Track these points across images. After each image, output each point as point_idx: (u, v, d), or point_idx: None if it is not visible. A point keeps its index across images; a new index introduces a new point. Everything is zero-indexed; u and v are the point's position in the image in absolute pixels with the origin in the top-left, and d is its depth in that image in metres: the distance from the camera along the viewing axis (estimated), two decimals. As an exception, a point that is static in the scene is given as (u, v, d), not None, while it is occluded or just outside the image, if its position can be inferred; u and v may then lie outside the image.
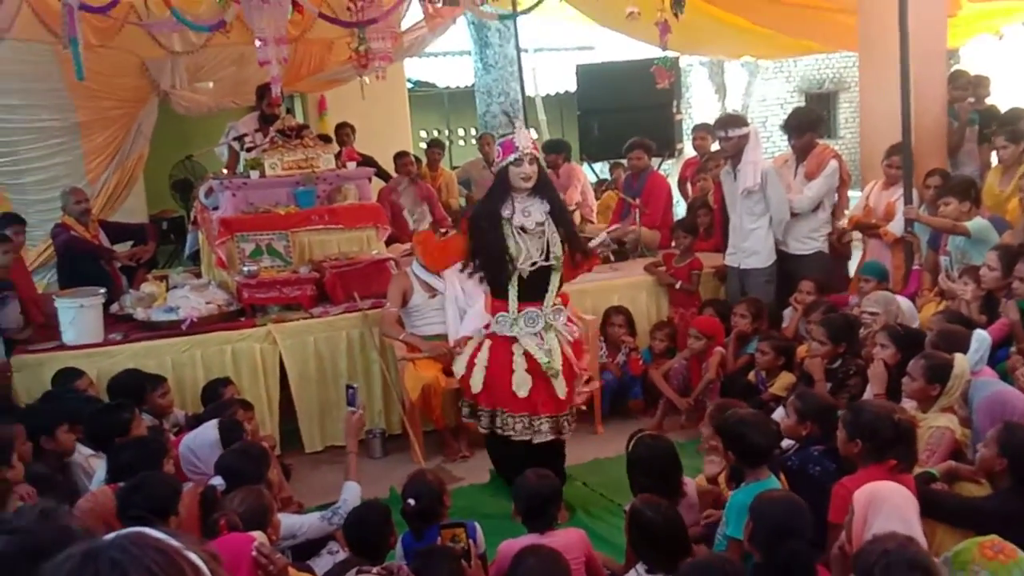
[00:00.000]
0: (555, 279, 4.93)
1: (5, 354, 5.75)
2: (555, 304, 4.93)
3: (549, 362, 4.83)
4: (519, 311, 4.88)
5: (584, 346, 5.25)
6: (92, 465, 4.44)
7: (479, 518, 4.02)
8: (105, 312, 6.18)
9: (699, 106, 17.28)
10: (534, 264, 4.85)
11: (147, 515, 3.02)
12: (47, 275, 8.06)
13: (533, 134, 12.29)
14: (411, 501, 3.73)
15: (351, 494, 4.11)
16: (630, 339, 6.54)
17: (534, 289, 4.90)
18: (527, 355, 4.85)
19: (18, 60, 8.06)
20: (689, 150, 10.14)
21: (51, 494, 3.99)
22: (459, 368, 5.10)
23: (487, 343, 4.96)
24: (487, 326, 4.97)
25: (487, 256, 4.91)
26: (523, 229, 4.82)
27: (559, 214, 4.91)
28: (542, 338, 4.87)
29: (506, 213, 4.84)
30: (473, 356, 4.99)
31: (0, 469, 3.80)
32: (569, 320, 5.03)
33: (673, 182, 9.33)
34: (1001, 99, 8.62)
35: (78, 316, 5.91)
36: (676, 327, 6.64)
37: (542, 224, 4.83)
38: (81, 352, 5.78)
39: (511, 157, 4.76)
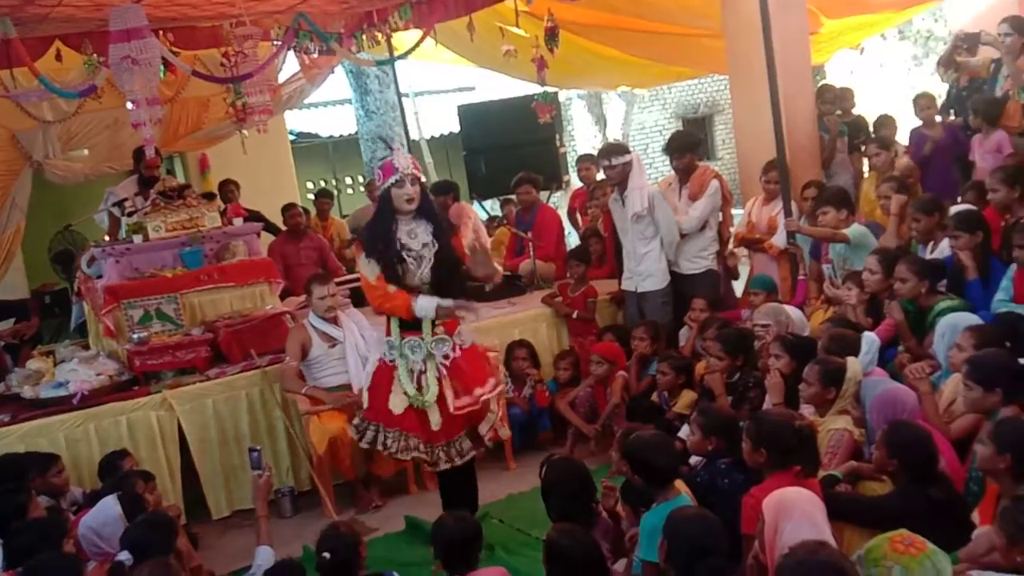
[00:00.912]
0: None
1: None
2: (437, 334, 4.77)
3: (416, 395, 4.70)
4: (402, 338, 4.75)
5: (489, 370, 5.05)
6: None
7: (398, 567, 3.98)
8: (-10, 394, 5.94)
9: (581, 138, 17.59)
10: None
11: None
12: (-75, 361, 7.69)
13: (426, 178, 12.34)
14: (326, 555, 3.65)
15: (264, 558, 4.01)
16: (534, 371, 6.57)
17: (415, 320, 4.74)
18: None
19: None
20: (576, 181, 10.28)
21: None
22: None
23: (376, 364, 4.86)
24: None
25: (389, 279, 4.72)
26: (409, 252, 4.68)
27: (443, 236, 4.79)
28: (423, 370, 4.73)
29: (398, 237, 4.70)
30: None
31: None
32: (473, 346, 4.90)
33: (563, 213, 9.45)
34: (865, 109, 9.03)
35: (-40, 400, 5.66)
36: (578, 355, 6.69)
37: (427, 245, 4.72)
38: (-34, 437, 5.52)
39: (392, 179, 4.64)
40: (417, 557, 4.77)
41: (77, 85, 7.07)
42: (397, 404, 4.72)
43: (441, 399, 4.75)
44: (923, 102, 7.64)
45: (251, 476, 4.60)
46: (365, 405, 4.87)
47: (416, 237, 4.71)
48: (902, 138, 7.91)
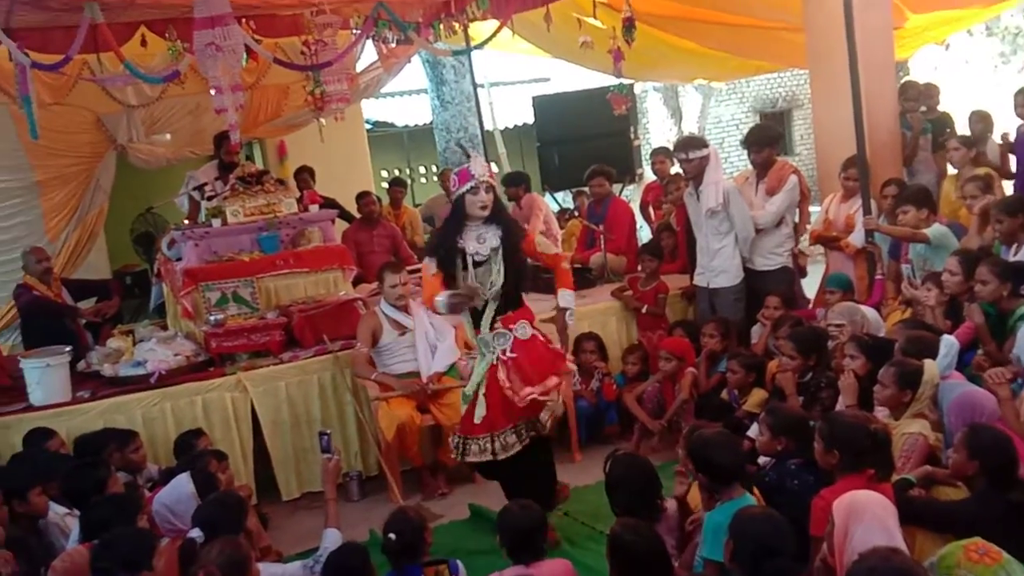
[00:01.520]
0: (490, 309, 4.86)
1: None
2: (495, 329, 4.85)
3: (464, 392, 4.92)
4: (476, 336, 4.93)
5: (549, 364, 5.01)
6: (68, 524, 4.36)
7: (461, 555, 3.99)
8: (72, 370, 6.12)
9: (656, 131, 17.46)
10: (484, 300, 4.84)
11: (120, 571, 2.96)
12: (11, 337, 7.98)
13: (494, 167, 12.36)
14: (392, 536, 3.70)
15: (331, 541, 4.07)
16: (602, 365, 6.55)
17: (478, 317, 4.90)
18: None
19: (-29, 122, 8.02)
20: (649, 175, 10.21)
21: (27, 558, 3.93)
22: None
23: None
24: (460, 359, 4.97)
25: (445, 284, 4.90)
26: (476, 259, 4.80)
27: (512, 241, 4.87)
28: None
29: (460, 243, 4.84)
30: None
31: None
32: (534, 337, 4.92)
33: (635, 207, 9.39)
34: (950, 106, 8.78)
35: (44, 376, 5.84)
36: (646, 350, 6.65)
37: (496, 250, 4.82)
38: (50, 412, 5.69)
39: (467, 185, 4.77)
40: (481, 545, 4.80)
41: (161, 70, 7.23)
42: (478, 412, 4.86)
43: (490, 391, 4.80)
44: (1021, 99, 7.39)
45: (321, 459, 4.67)
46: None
47: (485, 242, 4.83)
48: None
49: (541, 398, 4.79)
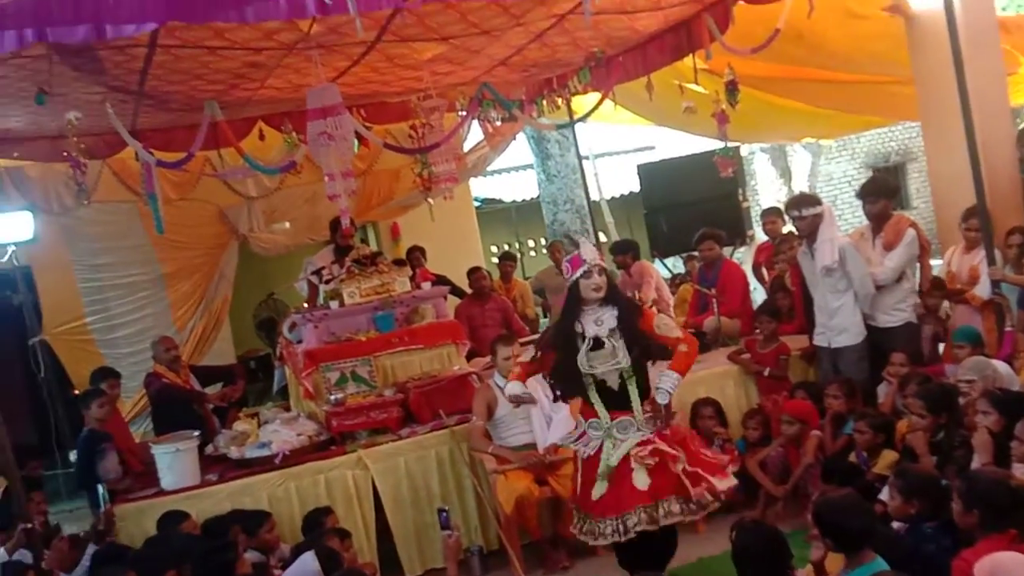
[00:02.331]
0: (632, 388, 4.87)
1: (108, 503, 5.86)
2: (647, 412, 4.85)
3: (605, 466, 4.79)
4: (612, 419, 4.84)
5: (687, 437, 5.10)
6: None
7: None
8: (201, 454, 6.31)
9: (764, 191, 17.25)
10: (604, 381, 4.86)
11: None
12: (143, 424, 8.28)
13: (603, 237, 12.37)
14: None
15: None
16: (722, 430, 6.42)
17: (622, 400, 4.87)
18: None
19: (103, 221, 8.49)
20: (760, 235, 10.08)
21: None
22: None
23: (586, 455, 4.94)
24: (582, 434, 4.95)
25: (563, 374, 4.96)
26: (597, 340, 4.82)
27: (628, 318, 4.89)
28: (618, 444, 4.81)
29: (578, 328, 4.89)
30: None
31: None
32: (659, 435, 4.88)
33: (747, 269, 9.26)
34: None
35: (175, 461, 6.04)
36: (768, 414, 6.49)
37: (614, 330, 4.84)
38: (180, 496, 5.88)
39: (580, 270, 4.87)
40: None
41: (278, 162, 7.52)
42: (597, 490, 4.83)
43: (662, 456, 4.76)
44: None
45: (441, 536, 4.68)
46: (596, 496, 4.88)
47: (603, 324, 4.85)
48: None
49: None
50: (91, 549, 5.18)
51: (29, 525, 4.88)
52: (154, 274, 8.83)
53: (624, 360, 4.82)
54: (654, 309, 8.06)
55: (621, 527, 4.74)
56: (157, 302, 8.86)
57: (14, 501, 5.05)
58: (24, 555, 4.87)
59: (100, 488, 5.73)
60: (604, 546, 5.14)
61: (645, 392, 4.89)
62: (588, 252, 4.94)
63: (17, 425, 6.15)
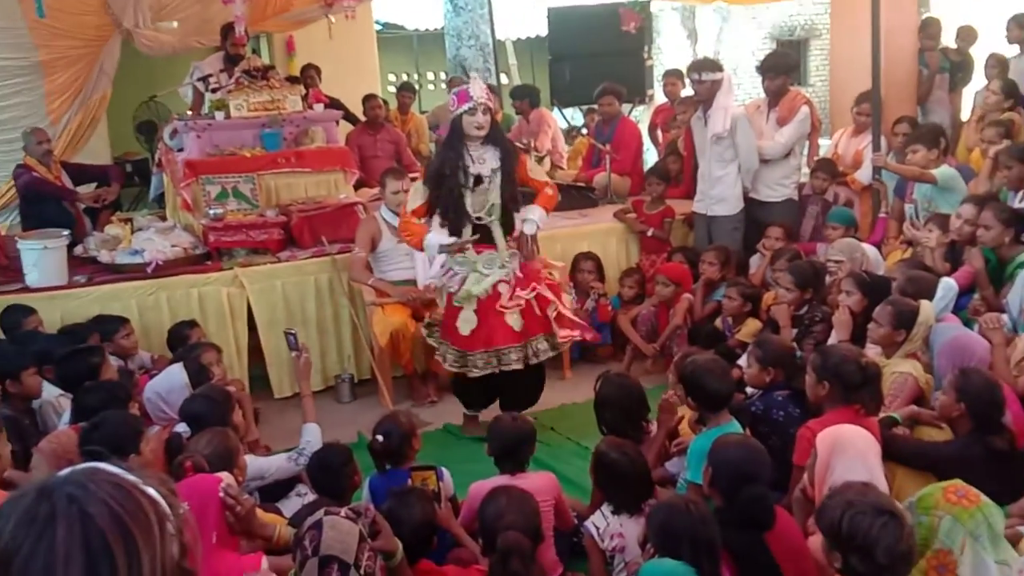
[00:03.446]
0: (497, 225, 5.03)
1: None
2: (511, 247, 5.07)
3: (466, 292, 4.99)
4: (477, 253, 5.01)
5: (560, 289, 5.34)
6: (63, 405, 4.40)
7: (447, 463, 4.04)
8: (69, 254, 6.12)
9: (670, 52, 17.18)
10: (479, 219, 5.00)
11: (106, 453, 2.99)
12: (10, 217, 7.93)
13: (504, 79, 12.17)
14: (379, 438, 3.75)
15: (312, 435, 4.13)
16: (599, 285, 6.55)
17: (487, 234, 5.04)
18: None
19: (-25, -2, 7.85)
20: (660, 96, 10.08)
21: (18, 437, 3.97)
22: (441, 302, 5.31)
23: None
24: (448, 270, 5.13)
25: (445, 204, 5.02)
26: (478, 177, 4.94)
27: (509, 160, 5.01)
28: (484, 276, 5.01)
29: (465, 162, 4.96)
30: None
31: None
32: (545, 265, 5.14)
33: (644, 128, 9.29)
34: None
35: (42, 258, 5.84)
36: (645, 274, 6.65)
37: (496, 171, 4.96)
38: (45, 294, 5.70)
39: (465, 106, 4.91)
40: (465, 454, 4.89)
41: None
42: (464, 324, 5.03)
43: (486, 308, 5.00)
44: (1013, 25, 7.22)
45: (291, 357, 4.69)
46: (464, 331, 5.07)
47: (485, 162, 4.98)
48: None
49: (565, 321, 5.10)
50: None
51: None
52: (30, 61, 8.26)
53: (497, 201, 4.98)
54: (539, 158, 8.12)
55: (495, 360, 5.01)
56: (31, 90, 8.33)
57: None
58: None
59: (-42, 279, 5.52)
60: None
61: (508, 231, 5.09)
62: (476, 89, 4.96)
63: None
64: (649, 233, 6.82)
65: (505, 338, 5.01)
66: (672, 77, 9.03)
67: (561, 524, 3.73)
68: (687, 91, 7.97)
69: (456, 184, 4.94)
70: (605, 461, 3.54)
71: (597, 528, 3.46)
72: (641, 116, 11.09)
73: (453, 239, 4.98)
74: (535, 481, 3.67)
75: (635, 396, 4.14)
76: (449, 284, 5.10)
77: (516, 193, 5.09)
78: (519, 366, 5.04)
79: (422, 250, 5.17)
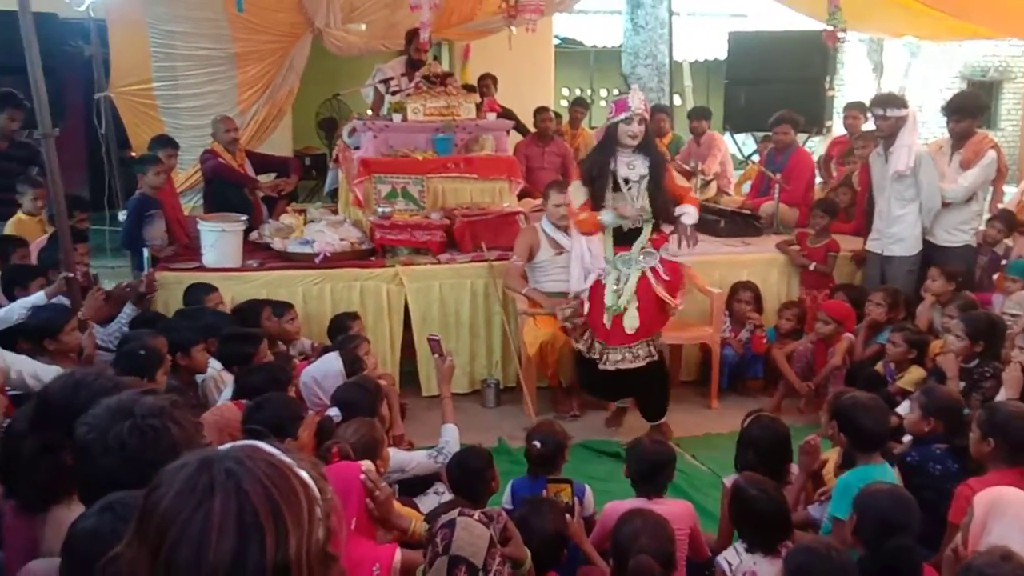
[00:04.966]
0: (647, 229, 5.33)
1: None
2: (644, 248, 5.34)
3: (614, 305, 5.28)
4: (614, 254, 5.34)
5: (680, 285, 5.52)
6: (223, 380, 4.63)
7: (583, 479, 4.03)
8: (244, 239, 6.42)
9: (853, 84, 16.64)
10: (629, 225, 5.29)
11: (267, 432, 3.12)
12: (193, 198, 8.39)
13: (677, 100, 12.07)
14: (536, 444, 3.79)
15: (451, 435, 4.19)
16: (756, 316, 6.41)
17: (627, 239, 5.32)
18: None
19: (183, -11, 8.36)
20: (838, 128, 9.78)
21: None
22: (563, 316, 5.65)
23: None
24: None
25: (597, 206, 5.31)
26: (626, 181, 5.21)
27: (658, 170, 5.27)
28: (624, 281, 5.31)
29: (611, 167, 5.23)
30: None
31: (146, 381, 3.98)
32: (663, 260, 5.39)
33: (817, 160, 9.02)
34: None
35: (219, 240, 6.16)
36: (805, 309, 6.46)
37: (644, 177, 5.22)
38: (219, 274, 6.01)
39: (622, 115, 5.15)
40: (601, 472, 4.90)
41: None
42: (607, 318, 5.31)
43: (644, 302, 5.30)
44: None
45: (434, 361, 4.77)
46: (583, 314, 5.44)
47: (635, 169, 5.24)
48: None
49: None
50: (129, 308, 5.33)
51: (71, 274, 4.99)
52: (226, 52, 8.72)
53: (644, 203, 5.26)
54: (706, 181, 8.09)
55: (628, 355, 5.31)
56: (225, 80, 8.79)
57: (61, 248, 5.16)
58: (62, 302, 5.01)
59: (145, 252, 5.85)
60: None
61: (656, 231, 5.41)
62: (635, 100, 5.17)
63: (71, 176, 6.23)
64: (811, 267, 6.62)
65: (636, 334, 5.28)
66: (854, 110, 8.73)
67: (695, 556, 3.65)
68: (868, 125, 7.70)
69: (601, 190, 5.23)
70: (742, 496, 3.43)
71: (730, 564, 3.37)
72: (816, 147, 10.79)
73: (628, 212, 5.26)
74: (672, 508, 3.62)
75: (781, 441, 4.02)
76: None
77: (667, 199, 5.33)
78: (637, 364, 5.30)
79: (601, 230, 5.34)
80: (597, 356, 5.36)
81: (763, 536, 3.36)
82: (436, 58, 10.48)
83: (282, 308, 5.60)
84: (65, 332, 4.49)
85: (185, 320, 5.06)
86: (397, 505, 3.29)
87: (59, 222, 5.16)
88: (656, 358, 5.45)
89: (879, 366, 5.63)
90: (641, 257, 5.33)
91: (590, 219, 5.31)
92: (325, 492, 1.30)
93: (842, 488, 3.49)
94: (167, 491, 1.22)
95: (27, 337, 4.54)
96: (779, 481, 3.88)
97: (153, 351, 4.09)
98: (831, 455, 4.10)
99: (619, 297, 5.28)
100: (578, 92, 15.43)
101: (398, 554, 2.99)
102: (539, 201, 6.71)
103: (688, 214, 5.40)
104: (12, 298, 4.97)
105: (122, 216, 7.04)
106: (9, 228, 6.14)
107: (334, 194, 8.55)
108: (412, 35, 7.95)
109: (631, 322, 5.28)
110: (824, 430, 4.18)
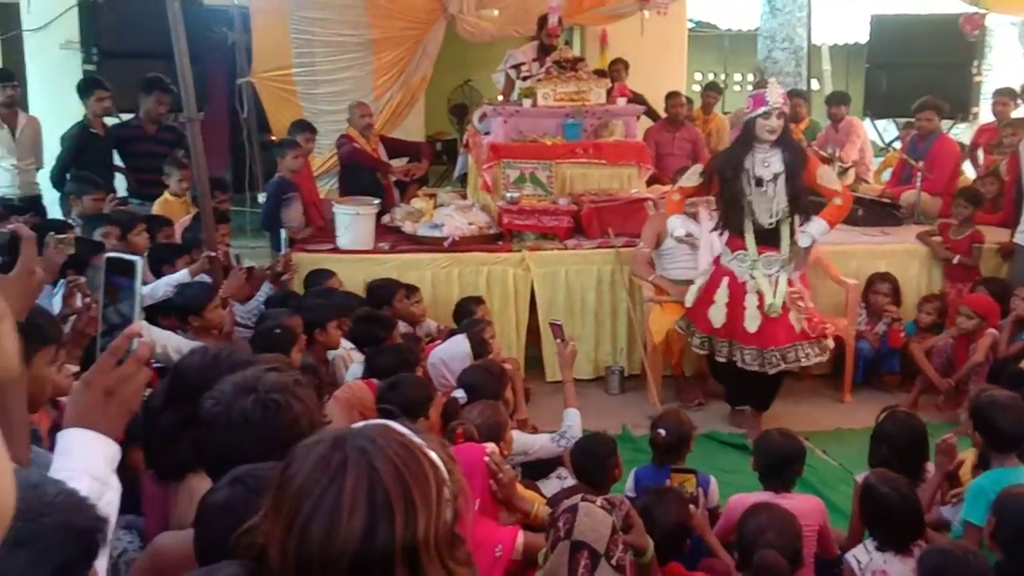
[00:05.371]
0: (785, 228, 5.17)
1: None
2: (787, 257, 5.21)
3: (772, 303, 5.13)
4: (759, 254, 5.16)
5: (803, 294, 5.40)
6: (352, 358, 4.75)
7: (708, 470, 3.99)
8: (377, 222, 6.55)
9: (1002, 69, 15.80)
10: (770, 223, 5.16)
11: (398, 412, 3.19)
12: (329, 182, 8.61)
13: (815, 84, 11.71)
14: (662, 432, 3.77)
15: (573, 419, 4.19)
16: (894, 309, 6.18)
17: (771, 236, 5.18)
18: (759, 295, 5.16)
19: (322, -25, 8.57)
20: (985, 115, 9.34)
21: (314, 383, 4.32)
22: (691, 300, 5.48)
23: (726, 280, 5.27)
24: (716, 259, 5.37)
25: (726, 203, 5.24)
26: (759, 181, 5.07)
27: (795, 166, 5.10)
28: (775, 282, 5.15)
29: (747, 164, 5.11)
30: (712, 292, 5.32)
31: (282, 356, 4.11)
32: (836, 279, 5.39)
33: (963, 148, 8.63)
34: None
35: (353, 223, 6.31)
36: (948, 303, 6.21)
37: (779, 175, 5.07)
38: (352, 256, 6.18)
39: (761, 110, 5.06)
40: (726, 463, 4.84)
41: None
42: (752, 322, 5.16)
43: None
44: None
45: (556, 345, 4.77)
46: (717, 323, 5.32)
47: (769, 166, 5.10)
48: None
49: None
50: (266, 287, 5.51)
51: (213, 253, 5.20)
52: (363, 38, 8.89)
53: (782, 201, 5.11)
54: (844, 168, 7.83)
55: (776, 358, 5.18)
56: (361, 66, 8.97)
57: (204, 229, 5.38)
58: (205, 280, 5.22)
59: (283, 232, 6.05)
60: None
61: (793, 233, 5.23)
62: (773, 94, 5.08)
63: (213, 159, 6.45)
64: (955, 260, 6.34)
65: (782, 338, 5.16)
66: (1004, 96, 8.32)
67: (824, 553, 3.57)
68: (1018, 112, 7.32)
69: (738, 189, 5.13)
70: (873, 494, 3.33)
71: (859, 562, 3.27)
72: (961, 134, 10.32)
73: (687, 232, 5.45)
74: (800, 504, 3.54)
75: (918, 438, 3.89)
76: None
77: (802, 197, 5.16)
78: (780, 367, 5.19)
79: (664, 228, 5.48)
80: (721, 354, 5.33)
81: (894, 535, 3.25)
82: (568, 43, 10.45)
83: (409, 290, 5.71)
84: (209, 309, 4.67)
85: (318, 298, 5.21)
86: (520, 488, 3.33)
87: (203, 203, 5.36)
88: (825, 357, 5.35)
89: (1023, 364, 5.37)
90: (787, 260, 5.21)
91: (674, 206, 5.47)
92: (454, 473, 1.32)
93: (975, 492, 3.37)
94: (301, 466, 1.26)
95: (173, 313, 4.75)
96: (914, 480, 3.75)
97: (288, 330, 4.22)
98: (968, 455, 3.94)
99: (775, 297, 5.16)
100: (711, 76, 15.11)
101: (520, 536, 3.01)
102: (668, 187, 6.63)
103: (805, 234, 5.21)
104: (159, 275, 5.19)
105: (262, 198, 7.29)
106: (156, 208, 6.42)
107: (464, 179, 8.65)
108: (543, 20, 7.95)
109: (798, 321, 5.17)
110: (963, 428, 4.02)
